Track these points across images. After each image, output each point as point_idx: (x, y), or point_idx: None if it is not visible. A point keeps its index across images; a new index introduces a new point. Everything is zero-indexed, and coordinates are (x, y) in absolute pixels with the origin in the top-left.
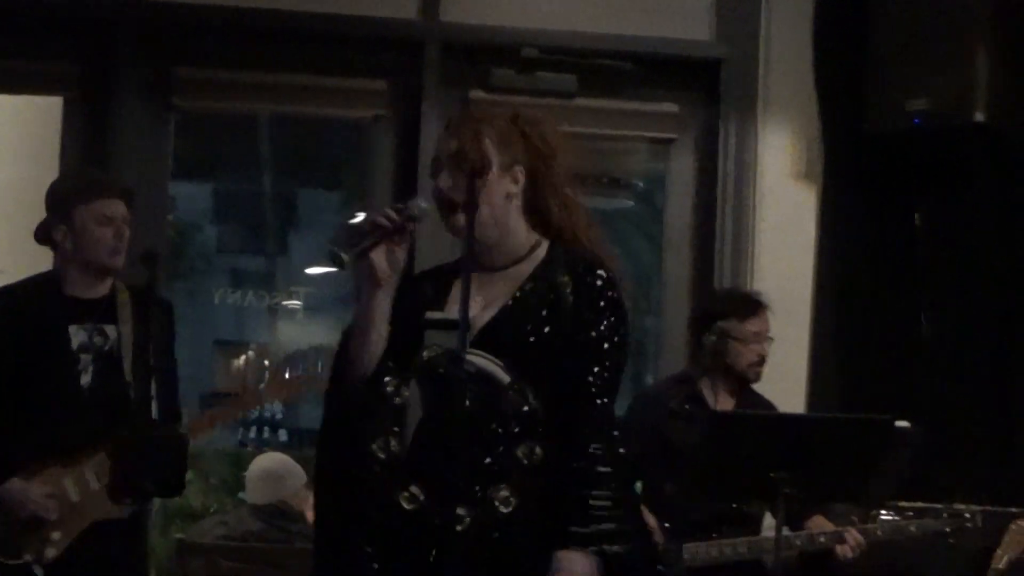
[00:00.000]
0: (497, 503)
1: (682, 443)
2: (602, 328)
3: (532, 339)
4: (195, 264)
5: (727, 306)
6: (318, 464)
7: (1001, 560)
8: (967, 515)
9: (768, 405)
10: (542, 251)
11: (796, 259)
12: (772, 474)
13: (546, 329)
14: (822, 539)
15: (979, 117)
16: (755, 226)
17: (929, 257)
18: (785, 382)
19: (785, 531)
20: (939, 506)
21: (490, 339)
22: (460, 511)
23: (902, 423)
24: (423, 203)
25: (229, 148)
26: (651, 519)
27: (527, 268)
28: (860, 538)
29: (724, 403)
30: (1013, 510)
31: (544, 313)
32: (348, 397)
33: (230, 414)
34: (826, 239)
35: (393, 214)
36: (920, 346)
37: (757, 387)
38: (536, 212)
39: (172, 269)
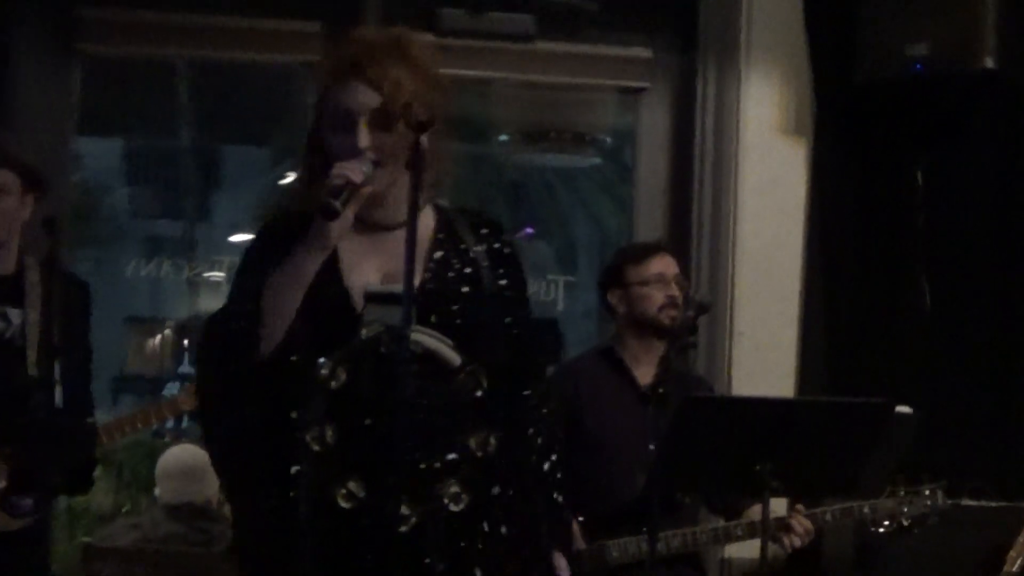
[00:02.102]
0: (446, 500)
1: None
2: (526, 302)
3: (458, 321)
4: (104, 231)
5: (621, 257)
6: (225, 455)
7: (1015, 563)
8: (926, 492)
9: (701, 381)
10: (429, 209)
11: (783, 223)
12: (757, 466)
13: (469, 308)
14: None
15: (987, 63)
16: (737, 186)
17: (932, 220)
18: (772, 362)
19: (720, 522)
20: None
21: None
22: (405, 510)
23: (903, 408)
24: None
25: (142, 99)
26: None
27: (423, 229)
28: (808, 524)
29: (645, 372)
30: None
31: (465, 290)
32: (254, 373)
33: (159, 414)
34: (817, 200)
35: (359, 170)
36: (922, 321)
37: (739, 363)
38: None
39: (78, 236)
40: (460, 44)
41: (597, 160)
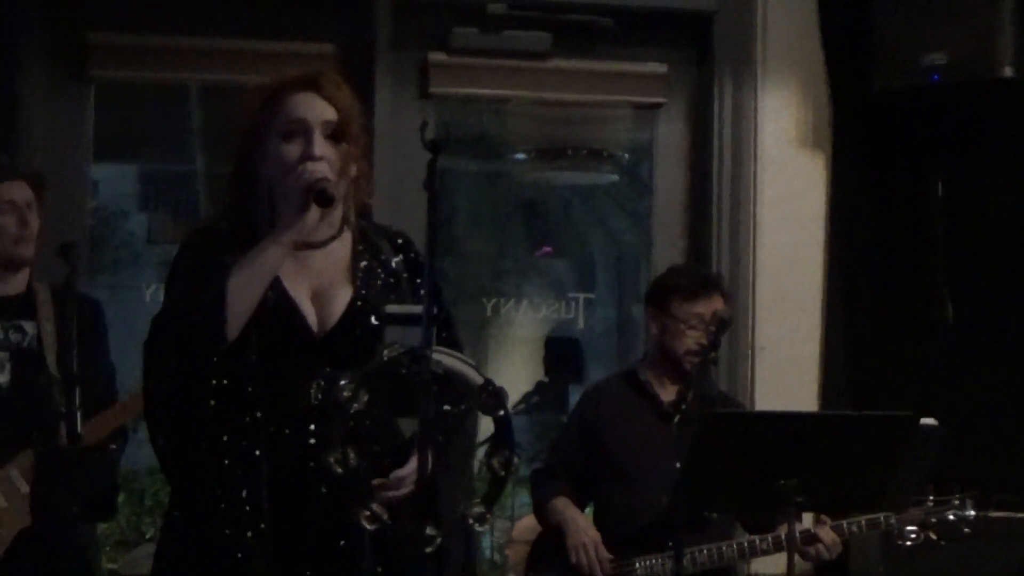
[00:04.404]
0: (472, 521)
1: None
2: (442, 306)
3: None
4: (121, 256)
5: (674, 283)
6: (177, 448)
7: None
8: (955, 502)
9: (726, 398)
10: (347, 228)
11: (803, 237)
12: (782, 481)
13: None
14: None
15: (1005, 71)
16: (756, 200)
17: (952, 230)
18: (794, 376)
19: (751, 537)
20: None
21: (355, 325)
22: (430, 531)
23: (927, 420)
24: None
25: (156, 124)
26: (581, 525)
27: (344, 245)
28: (834, 536)
29: (668, 391)
30: None
31: (392, 298)
32: (215, 363)
33: (128, 411)
34: (836, 213)
35: (328, 170)
36: (944, 331)
37: (761, 378)
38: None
39: (95, 262)
40: (475, 63)
41: (614, 177)
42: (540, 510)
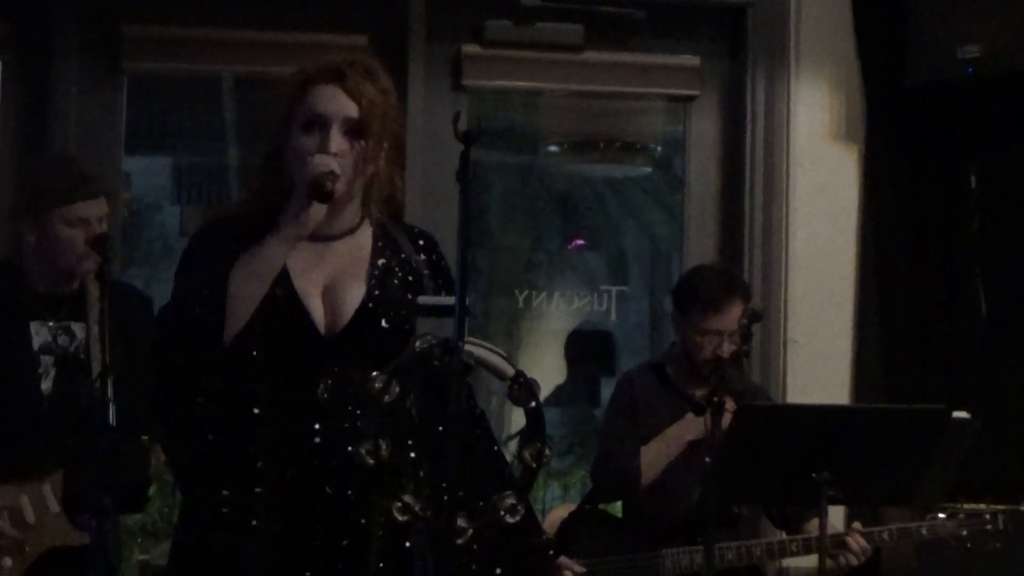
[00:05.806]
0: (503, 512)
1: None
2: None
3: (407, 326)
4: (154, 249)
5: (694, 292)
6: (181, 445)
7: None
8: (987, 516)
9: (758, 391)
10: (367, 222)
11: (835, 230)
12: (813, 475)
13: (413, 314)
14: None
15: None
16: (788, 194)
17: (986, 223)
18: (827, 369)
19: (778, 535)
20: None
21: (365, 326)
22: (461, 522)
23: (960, 413)
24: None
25: (189, 116)
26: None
27: (362, 240)
28: (864, 543)
29: (694, 386)
30: None
31: (410, 296)
32: (215, 360)
33: None
34: (869, 206)
35: (337, 165)
36: (978, 326)
37: (793, 372)
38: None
39: (127, 255)
40: (508, 55)
41: (647, 169)
42: (633, 466)
